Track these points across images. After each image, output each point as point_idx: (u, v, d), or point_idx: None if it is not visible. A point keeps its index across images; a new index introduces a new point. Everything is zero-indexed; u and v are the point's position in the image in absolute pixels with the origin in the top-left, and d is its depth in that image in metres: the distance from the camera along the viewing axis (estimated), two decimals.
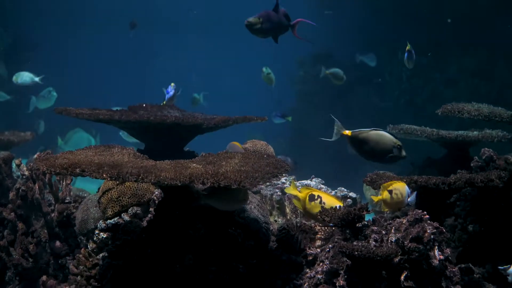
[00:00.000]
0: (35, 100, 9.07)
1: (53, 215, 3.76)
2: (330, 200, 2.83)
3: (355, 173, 9.50)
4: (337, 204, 2.80)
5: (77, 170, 2.43)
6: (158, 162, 2.71)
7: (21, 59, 14.92)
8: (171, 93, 5.06)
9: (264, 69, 7.53)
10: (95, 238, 3.32)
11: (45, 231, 3.75)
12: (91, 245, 3.34)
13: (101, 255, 3.21)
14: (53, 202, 3.87)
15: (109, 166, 2.45)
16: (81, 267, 3.17)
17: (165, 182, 2.34)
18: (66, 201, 3.81)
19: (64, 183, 3.88)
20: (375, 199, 2.92)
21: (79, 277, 3.16)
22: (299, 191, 2.90)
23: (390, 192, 2.77)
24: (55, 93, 8.86)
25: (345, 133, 3.23)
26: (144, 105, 4.27)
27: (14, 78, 8.34)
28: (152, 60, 21.47)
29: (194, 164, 2.64)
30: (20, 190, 3.68)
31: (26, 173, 3.85)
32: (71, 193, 3.88)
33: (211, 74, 23.97)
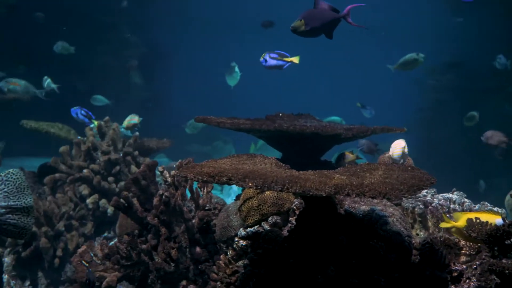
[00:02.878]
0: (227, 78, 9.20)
1: (194, 221, 3.87)
2: (490, 218, 2.72)
3: (488, 186, 9.16)
4: (497, 219, 2.69)
5: (224, 178, 2.47)
6: (301, 172, 2.71)
7: (154, 67, 15.52)
8: (272, 62, 4.94)
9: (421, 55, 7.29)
10: (234, 246, 3.37)
11: (186, 236, 3.86)
12: (230, 252, 3.40)
13: (240, 262, 3.26)
14: (193, 209, 3.98)
15: (255, 175, 2.48)
16: (221, 273, 3.23)
17: (310, 193, 2.33)
18: (207, 208, 3.91)
19: (205, 191, 3.98)
20: None
21: (218, 283, 3.23)
22: (454, 221, 2.81)
23: None
24: (237, 69, 8.97)
25: None
26: (280, 114, 4.31)
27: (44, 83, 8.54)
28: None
29: (338, 175, 2.62)
30: (164, 196, 3.81)
31: (169, 179, 3.99)
32: (212, 200, 3.97)
33: (340, 82, 23.86)
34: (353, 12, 4.18)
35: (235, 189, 9.50)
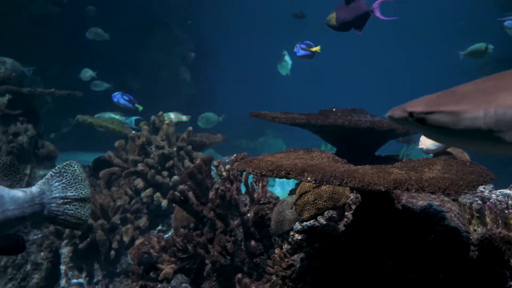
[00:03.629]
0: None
1: (249, 215, 3.90)
2: None
3: None
4: None
5: (283, 172, 2.49)
6: (359, 166, 2.71)
7: (201, 63, 15.66)
8: (301, 52, 5.09)
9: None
10: (289, 239, 3.39)
11: (241, 230, 3.90)
12: (285, 246, 3.42)
13: (295, 256, 3.28)
14: (248, 203, 4.02)
15: (313, 169, 2.49)
16: (276, 267, 3.26)
17: (369, 187, 2.33)
18: (262, 202, 3.94)
19: (260, 185, 4.01)
20: None
21: (274, 276, 3.25)
22: None
23: None
24: (287, 58, 9.01)
25: None
26: (334, 109, 4.31)
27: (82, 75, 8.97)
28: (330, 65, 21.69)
29: (396, 170, 2.61)
30: (219, 190, 3.85)
31: (224, 174, 4.03)
32: (267, 194, 4.00)
33: (394, 78, 23.64)
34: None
35: (287, 183, 9.47)
